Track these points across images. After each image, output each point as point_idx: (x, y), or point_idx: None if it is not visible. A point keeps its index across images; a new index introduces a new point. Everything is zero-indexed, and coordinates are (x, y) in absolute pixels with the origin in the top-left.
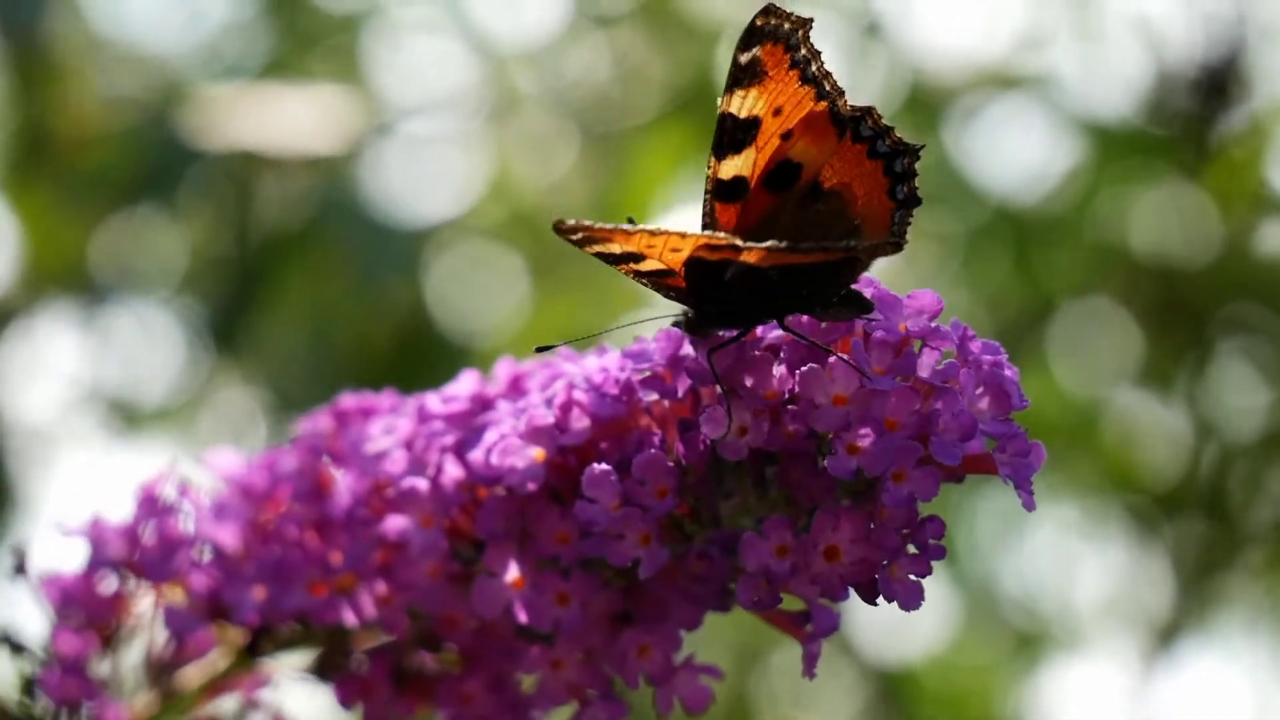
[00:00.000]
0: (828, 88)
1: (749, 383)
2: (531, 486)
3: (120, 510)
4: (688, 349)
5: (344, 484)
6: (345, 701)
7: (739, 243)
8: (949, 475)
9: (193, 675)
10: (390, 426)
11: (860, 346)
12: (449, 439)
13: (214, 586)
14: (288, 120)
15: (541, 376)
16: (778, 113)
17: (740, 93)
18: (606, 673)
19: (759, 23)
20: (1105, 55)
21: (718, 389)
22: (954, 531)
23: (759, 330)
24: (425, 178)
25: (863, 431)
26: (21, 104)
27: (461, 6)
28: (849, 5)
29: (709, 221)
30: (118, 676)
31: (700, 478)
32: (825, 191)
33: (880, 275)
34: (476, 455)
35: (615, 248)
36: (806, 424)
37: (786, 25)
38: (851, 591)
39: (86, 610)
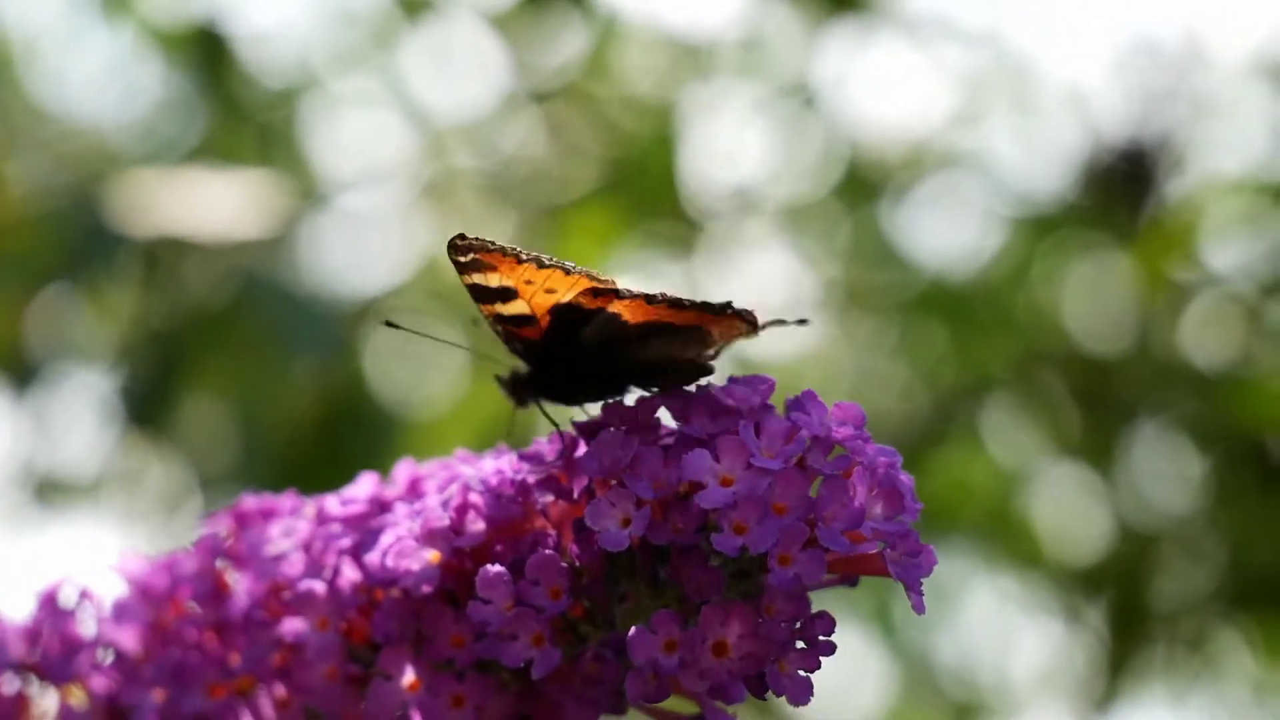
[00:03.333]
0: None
1: (636, 478)
2: (427, 589)
3: (22, 606)
4: (582, 449)
5: (242, 586)
6: None
7: (621, 288)
8: (840, 577)
9: None
10: (289, 529)
11: (750, 432)
12: (346, 541)
13: (114, 688)
14: (212, 204)
15: (440, 478)
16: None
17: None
18: None
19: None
20: (1039, 130)
21: (612, 484)
22: (889, 601)
23: (653, 427)
24: (359, 252)
25: (749, 512)
26: None
27: (399, 80)
28: (785, 79)
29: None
30: None
31: (594, 578)
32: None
33: (819, 345)
34: (373, 558)
35: (495, 279)
36: (695, 517)
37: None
38: (745, 689)
39: None
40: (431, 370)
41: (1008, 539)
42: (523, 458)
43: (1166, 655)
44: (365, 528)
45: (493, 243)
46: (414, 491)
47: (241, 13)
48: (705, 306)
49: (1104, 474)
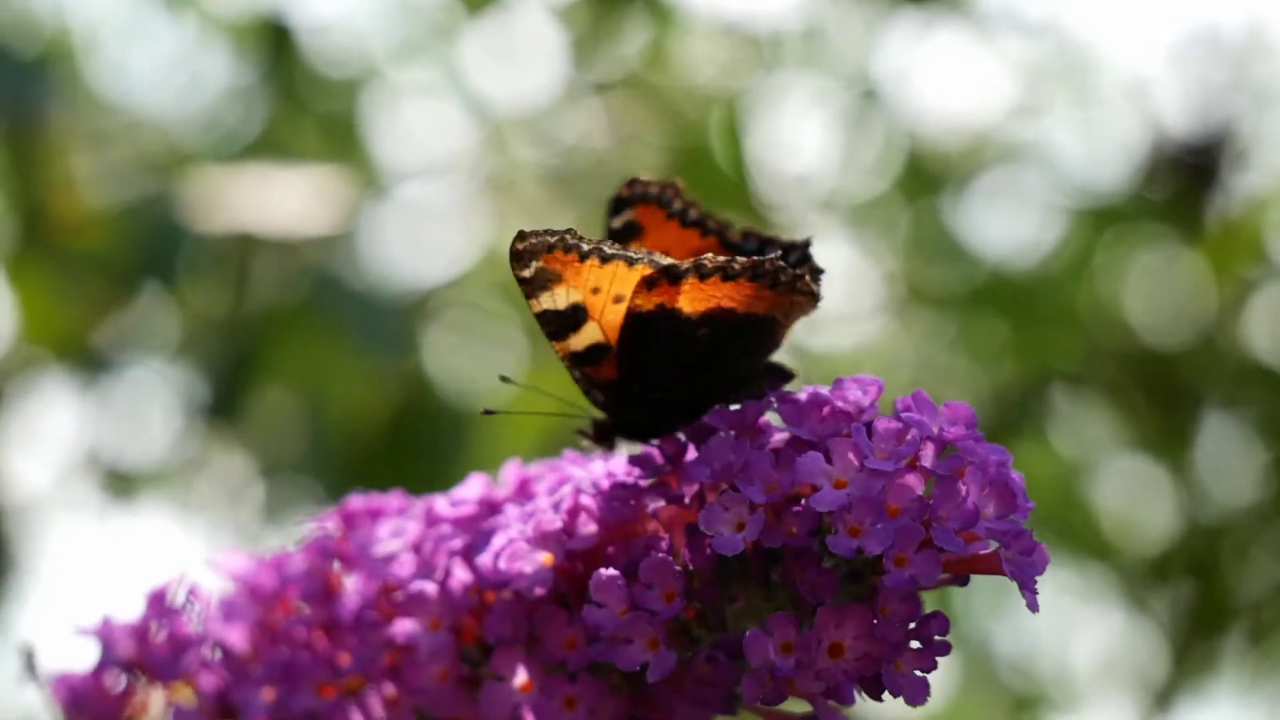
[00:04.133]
0: (711, 225)
1: (748, 482)
2: (539, 591)
3: (128, 606)
4: (692, 454)
5: (352, 586)
6: None
7: (678, 264)
8: (953, 576)
9: None
10: (398, 529)
11: (862, 433)
12: (457, 543)
13: (222, 687)
14: (280, 200)
15: (549, 480)
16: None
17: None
18: None
19: (625, 193)
20: (1100, 122)
21: (723, 488)
22: (949, 592)
23: (763, 430)
24: (421, 244)
25: (864, 514)
26: (19, 185)
27: (459, 71)
28: (846, 72)
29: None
30: None
31: (706, 581)
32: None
33: (879, 338)
34: (484, 559)
35: (562, 293)
36: (808, 520)
37: (655, 189)
38: (856, 691)
39: (95, 709)
40: (492, 363)
41: (1071, 531)
42: (633, 461)
43: (1232, 648)
44: (476, 529)
45: (552, 234)
46: (523, 493)
47: (304, 4)
48: (753, 267)
49: (1169, 466)
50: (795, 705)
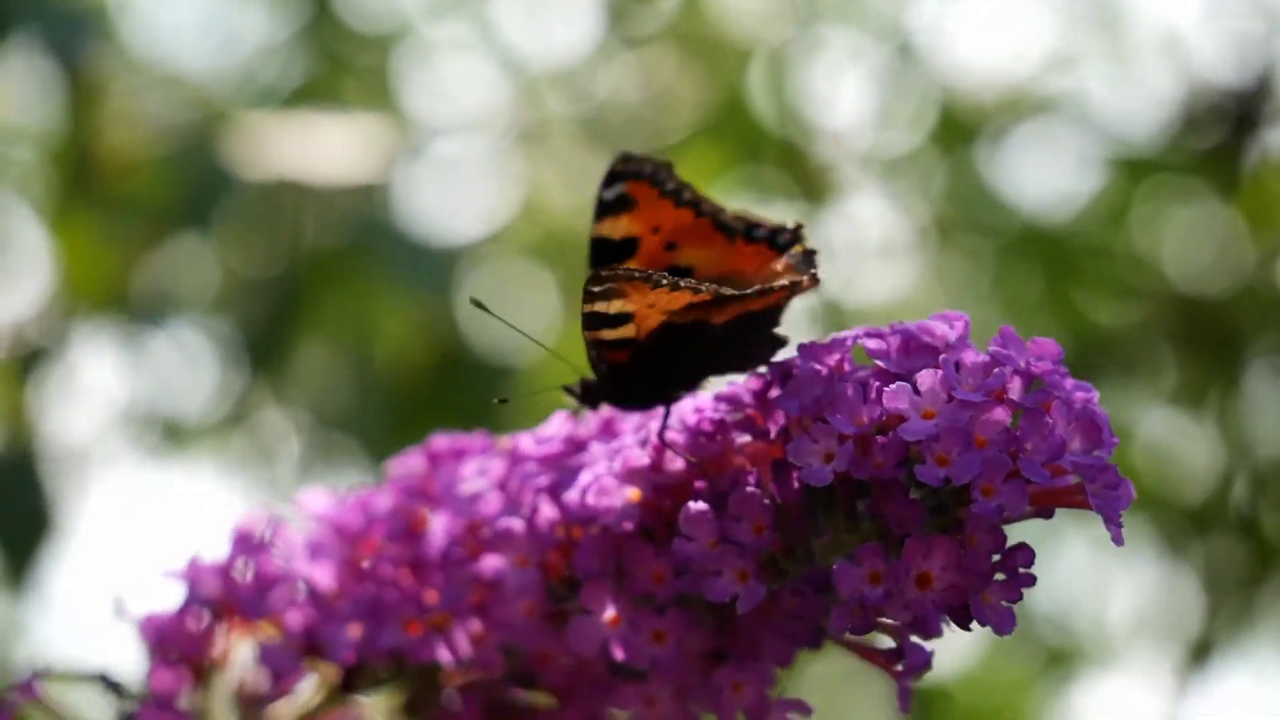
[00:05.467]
0: (705, 208)
1: (836, 413)
2: (628, 526)
3: (213, 548)
4: (777, 392)
5: (439, 524)
6: None
7: (728, 292)
8: (1037, 509)
9: (283, 711)
10: (484, 468)
11: (950, 366)
12: (543, 480)
13: (309, 624)
14: (325, 148)
15: (634, 418)
16: (656, 230)
17: (610, 220)
18: (698, 710)
19: (619, 167)
20: (1135, 75)
21: (811, 422)
22: None
23: (846, 366)
24: (456, 199)
25: (951, 444)
26: (65, 130)
27: (492, 27)
28: (880, 26)
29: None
30: (210, 713)
31: (794, 515)
32: (717, 280)
33: (913, 289)
34: (572, 495)
35: (618, 305)
36: (895, 452)
37: (649, 167)
38: (943, 624)
39: (181, 648)
40: (525, 314)
41: None
42: (719, 398)
43: (1270, 601)
44: (561, 466)
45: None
46: (608, 431)
47: None
48: (789, 289)
49: (1209, 416)
50: (881, 641)
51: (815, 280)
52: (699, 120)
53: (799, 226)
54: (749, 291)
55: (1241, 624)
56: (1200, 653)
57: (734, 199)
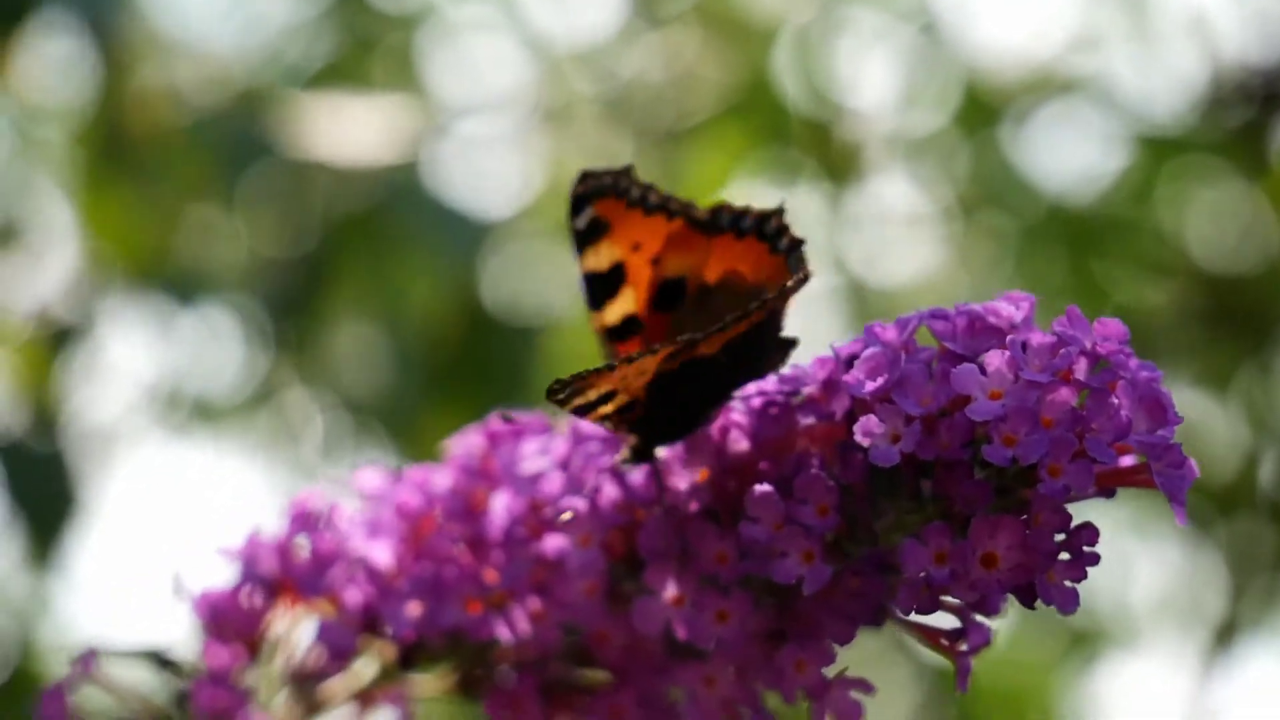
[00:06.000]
0: (674, 207)
1: (903, 394)
2: (693, 506)
3: (268, 524)
4: (843, 375)
5: (500, 503)
6: (495, 716)
7: (696, 336)
8: (1100, 489)
9: (338, 688)
10: (545, 447)
11: (1017, 347)
12: (606, 459)
13: (368, 601)
14: (352, 129)
15: None
16: (638, 247)
17: (591, 251)
18: (758, 689)
19: (580, 190)
20: (1160, 56)
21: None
22: None
23: (911, 347)
24: (481, 178)
25: (1019, 424)
26: (95, 104)
27: (516, 7)
28: (904, 6)
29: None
30: (263, 689)
31: (858, 496)
32: (715, 285)
33: (937, 271)
34: (635, 477)
35: (593, 394)
36: (961, 432)
37: (609, 179)
38: (1003, 603)
39: (236, 625)
40: (549, 293)
41: None
42: (783, 380)
43: None
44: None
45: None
46: None
47: None
48: (749, 312)
49: (1236, 396)
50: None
51: (803, 281)
52: (723, 100)
53: (781, 210)
54: (728, 321)
55: (1267, 606)
56: (1225, 635)
57: (758, 180)
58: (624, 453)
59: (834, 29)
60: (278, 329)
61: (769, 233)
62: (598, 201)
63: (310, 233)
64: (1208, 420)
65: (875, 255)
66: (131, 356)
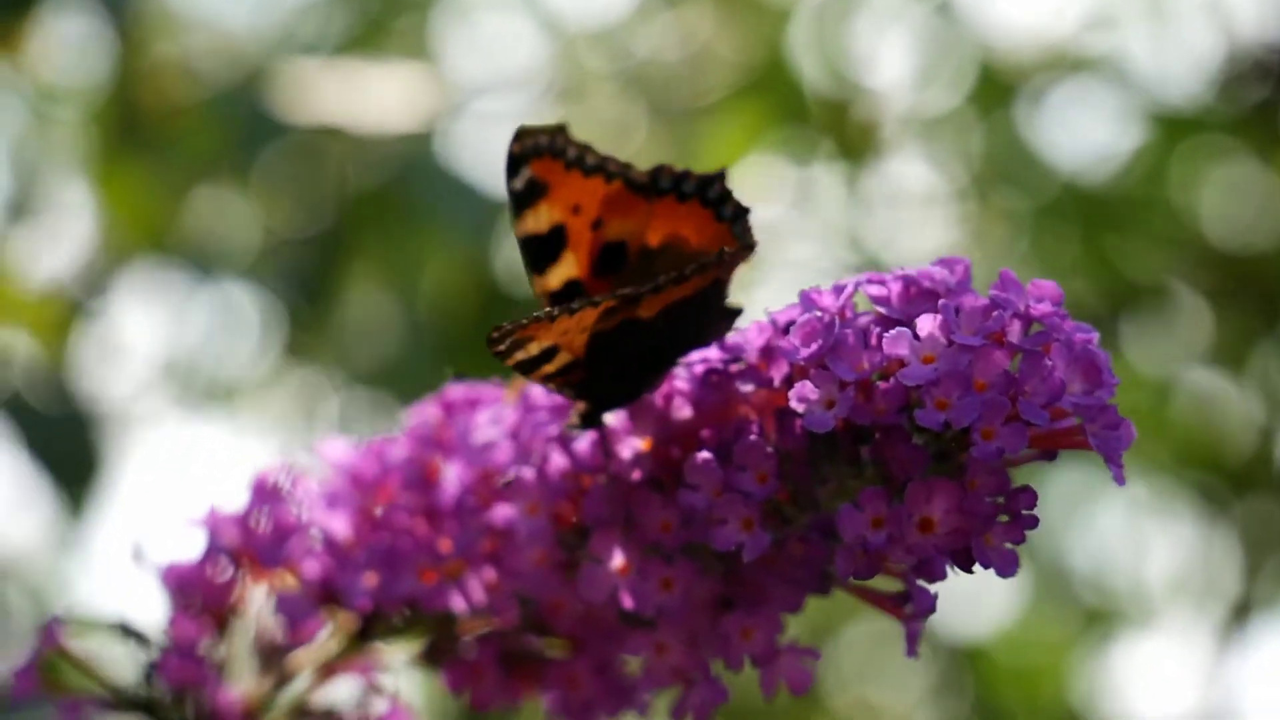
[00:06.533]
0: (612, 168)
1: (838, 360)
2: (637, 474)
3: (230, 497)
4: (779, 341)
5: (452, 473)
6: (455, 686)
7: (637, 290)
8: (1040, 452)
9: (303, 659)
10: (497, 416)
11: (950, 310)
12: (554, 429)
13: (326, 573)
14: (370, 96)
15: None
16: (577, 210)
17: (530, 213)
18: (708, 657)
19: (516, 149)
20: (1175, 34)
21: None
22: None
23: (847, 313)
24: (494, 157)
25: (951, 389)
26: (111, 81)
27: None
28: None
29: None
30: (230, 661)
31: (798, 462)
32: (658, 250)
33: (951, 249)
34: (581, 445)
35: (534, 348)
36: (896, 397)
37: (545, 139)
38: (948, 569)
39: (202, 597)
40: None
41: (1146, 443)
42: (723, 348)
43: None
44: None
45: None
46: None
47: None
48: (701, 268)
49: (1250, 373)
50: (889, 585)
51: (748, 251)
52: (738, 79)
53: (723, 175)
54: (662, 281)
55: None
56: (1240, 613)
57: (773, 158)
58: (572, 417)
59: (849, 7)
60: (293, 305)
61: (711, 198)
62: (535, 161)
63: (325, 207)
64: (1223, 398)
65: (890, 234)
66: (146, 333)
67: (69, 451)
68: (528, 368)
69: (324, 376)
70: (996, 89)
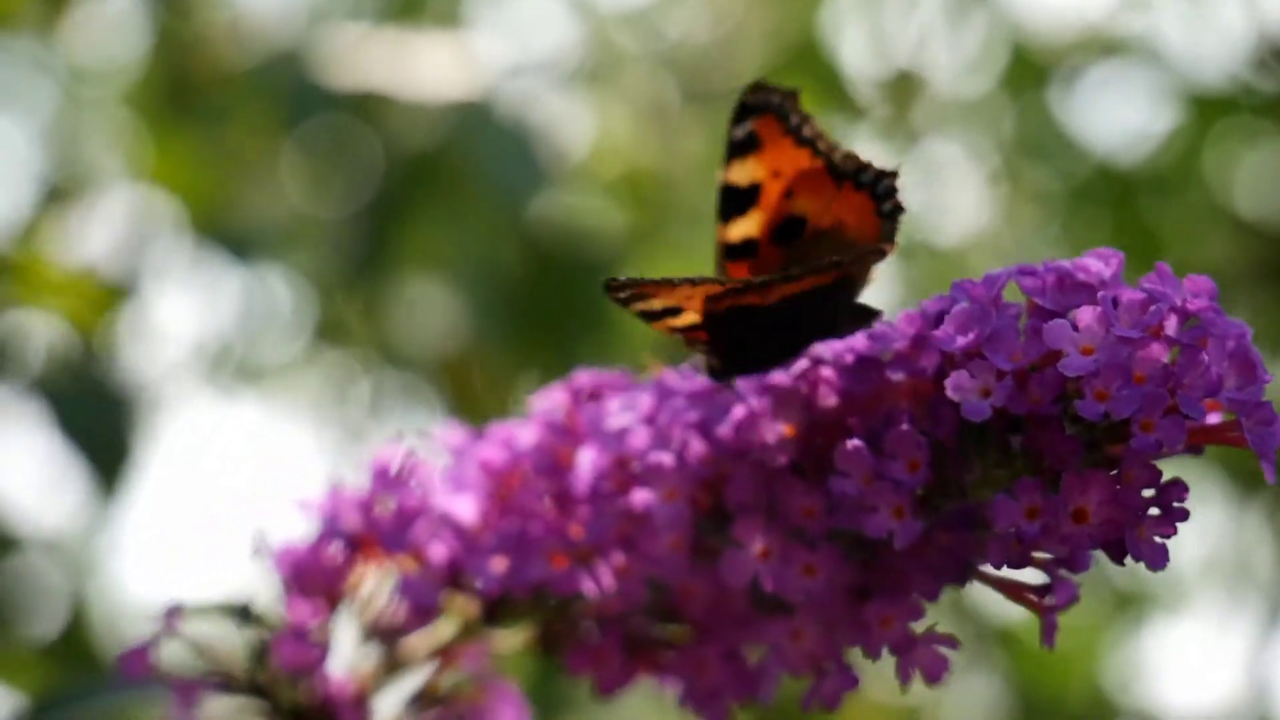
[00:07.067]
0: (822, 147)
1: (995, 349)
2: (782, 460)
3: (354, 480)
4: (932, 331)
5: (586, 459)
6: (577, 669)
7: (749, 281)
8: (1188, 447)
9: (417, 644)
10: (631, 402)
11: (1108, 302)
12: (693, 415)
13: (453, 557)
14: (416, 64)
15: None
16: (777, 175)
17: (739, 163)
18: (842, 645)
19: (749, 99)
20: (1208, 15)
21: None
22: None
23: (1000, 303)
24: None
25: (1111, 379)
26: (157, 52)
27: None
28: None
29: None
30: (344, 645)
31: (948, 451)
32: (825, 231)
33: (983, 231)
34: (724, 430)
35: (657, 304)
36: (1052, 388)
37: (776, 98)
38: (1090, 560)
39: (317, 580)
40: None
41: None
42: (872, 336)
43: None
44: (712, 402)
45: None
46: None
47: None
48: (814, 270)
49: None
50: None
51: (882, 254)
52: (770, 60)
53: (896, 174)
54: (772, 278)
55: None
56: (1273, 598)
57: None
58: (705, 366)
59: None
60: (342, 281)
61: (880, 192)
62: (759, 116)
63: (370, 182)
64: None
65: (924, 215)
66: (183, 312)
67: (101, 434)
68: (651, 318)
69: (357, 360)
70: (1030, 70)
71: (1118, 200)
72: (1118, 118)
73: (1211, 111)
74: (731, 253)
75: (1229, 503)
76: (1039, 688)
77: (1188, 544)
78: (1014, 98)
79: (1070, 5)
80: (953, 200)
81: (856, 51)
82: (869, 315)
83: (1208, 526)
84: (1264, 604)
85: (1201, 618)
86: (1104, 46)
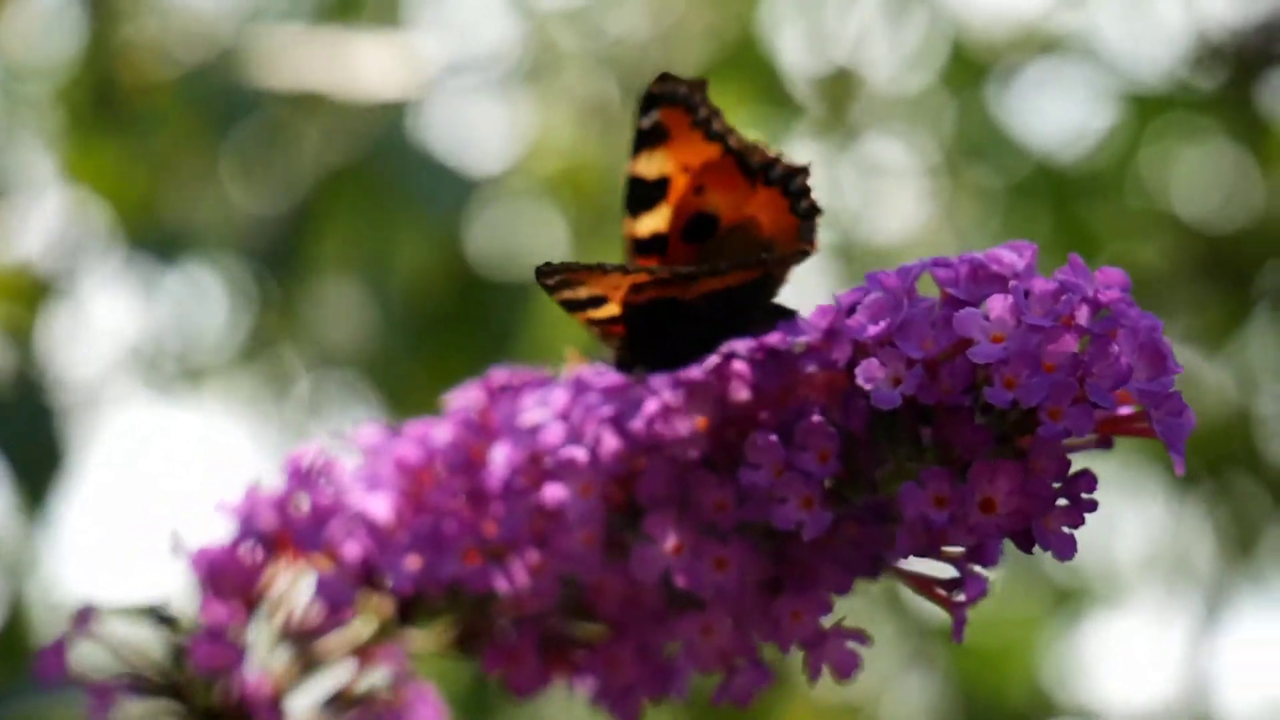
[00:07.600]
0: (732, 143)
1: (905, 338)
2: (694, 454)
3: (264, 480)
4: (845, 321)
5: (499, 455)
6: (491, 669)
7: (677, 271)
8: (1099, 439)
9: (334, 644)
10: (544, 399)
11: (1020, 292)
12: (607, 410)
13: (367, 555)
14: (347, 65)
15: None
16: (686, 169)
17: (646, 155)
18: (755, 640)
19: (655, 90)
20: (1146, 13)
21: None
22: None
23: (913, 293)
24: (465, 136)
25: (1020, 368)
26: (84, 56)
27: None
28: None
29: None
30: (260, 645)
31: (858, 443)
32: (734, 227)
33: (922, 229)
34: (636, 424)
35: (583, 292)
36: (963, 377)
37: (683, 89)
38: (1000, 554)
39: (233, 580)
40: (536, 251)
41: None
42: (783, 330)
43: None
44: (625, 397)
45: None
46: None
47: None
48: (742, 265)
49: (1224, 353)
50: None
51: (803, 255)
52: (711, 57)
53: (806, 171)
54: (697, 270)
55: (1252, 563)
56: (1210, 591)
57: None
58: (614, 359)
59: None
60: (264, 285)
61: (792, 190)
62: (667, 107)
63: (298, 186)
64: (1196, 377)
65: (863, 212)
66: (116, 313)
67: (31, 442)
68: (573, 308)
69: (293, 359)
70: (969, 68)
71: (1057, 198)
72: (1057, 116)
73: (1149, 110)
74: (640, 248)
75: (1168, 497)
76: (979, 684)
77: (1127, 539)
78: (953, 95)
79: (1009, 3)
80: (892, 198)
81: (795, 49)
82: (785, 315)
83: (1147, 521)
84: (1203, 599)
85: (1141, 613)
86: (1043, 44)
